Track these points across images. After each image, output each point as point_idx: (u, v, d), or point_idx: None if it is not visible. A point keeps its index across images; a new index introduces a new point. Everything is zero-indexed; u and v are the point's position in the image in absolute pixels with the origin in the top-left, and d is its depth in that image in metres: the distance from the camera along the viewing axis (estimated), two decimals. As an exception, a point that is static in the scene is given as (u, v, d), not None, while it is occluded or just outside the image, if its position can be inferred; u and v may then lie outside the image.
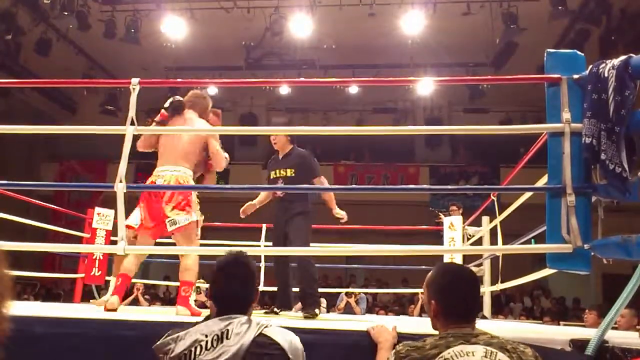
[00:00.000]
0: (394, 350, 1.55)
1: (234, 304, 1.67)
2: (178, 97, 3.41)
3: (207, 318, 1.67)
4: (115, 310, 3.02)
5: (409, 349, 1.50)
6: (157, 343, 1.63)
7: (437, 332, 1.59)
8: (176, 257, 3.82)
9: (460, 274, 1.67)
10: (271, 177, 3.90)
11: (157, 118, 3.35)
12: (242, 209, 4.03)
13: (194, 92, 3.65)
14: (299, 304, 4.67)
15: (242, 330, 1.57)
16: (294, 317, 3.54)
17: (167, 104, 3.36)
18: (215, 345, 1.55)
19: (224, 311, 1.66)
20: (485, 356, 1.41)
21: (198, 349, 1.55)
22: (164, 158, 3.31)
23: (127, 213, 2.57)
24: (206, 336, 1.57)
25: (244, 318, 1.62)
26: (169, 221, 3.18)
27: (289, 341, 1.60)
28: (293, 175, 3.77)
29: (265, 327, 1.62)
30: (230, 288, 1.69)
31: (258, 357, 1.54)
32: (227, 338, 1.55)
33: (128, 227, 3.32)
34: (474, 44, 10.09)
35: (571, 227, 2.14)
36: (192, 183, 3.31)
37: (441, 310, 1.58)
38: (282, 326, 1.71)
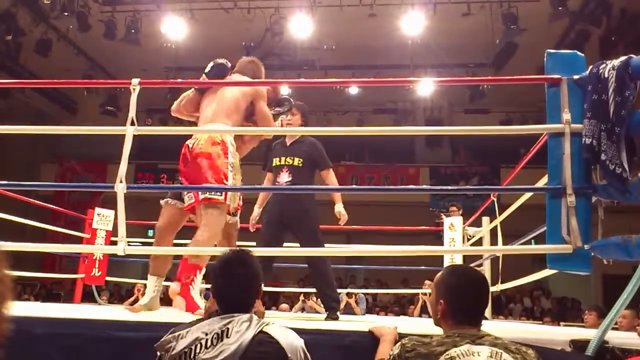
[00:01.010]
0: (399, 343, 1.55)
1: (236, 302, 1.65)
2: (219, 61, 3.15)
3: (210, 316, 1.66)
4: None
5: (415, 342, 1.50)
6: (160, 341, 1.63)
7: (438, 332, 1.60)
8: (177, 257, 3.77)
9: (471, 276, 1.67)
10: (275, 165, 3.57)
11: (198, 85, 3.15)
12: (252, 223, 3.71)
13: (243, 59, 3.42)
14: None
15: (243, 328, 1.57)
16: (297, 318, 3.53)
17: (208, 69, 3.11)
18: (215, 344, 1.54)
19: (226, 309, 1.64)
20: (491, 356, 1.42)
21: (198, 347, 1.55)
22: (202, 118, 3.08)
23: (128, 213, 2.55)
24: (207, 334, 1.57)
25: (245, 316, 1.60)
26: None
27: (289, 340, 1.59)
28: (300, 165, 3.49)
29: (267, 325, 1.61)
30: (231, 286, 1.67)
31: (256, 354, 1.53)
32: (227, 336, 1.55)
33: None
34: (474, 44, 10.09)
35: (571, 227, 2.14)
36: (228, 141, 2.97)
37: (449, 311, 1.58)
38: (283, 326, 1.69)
